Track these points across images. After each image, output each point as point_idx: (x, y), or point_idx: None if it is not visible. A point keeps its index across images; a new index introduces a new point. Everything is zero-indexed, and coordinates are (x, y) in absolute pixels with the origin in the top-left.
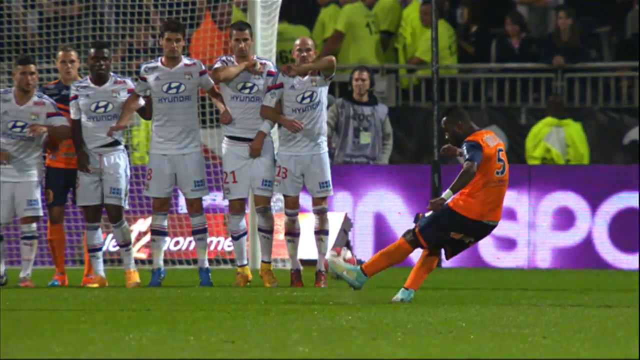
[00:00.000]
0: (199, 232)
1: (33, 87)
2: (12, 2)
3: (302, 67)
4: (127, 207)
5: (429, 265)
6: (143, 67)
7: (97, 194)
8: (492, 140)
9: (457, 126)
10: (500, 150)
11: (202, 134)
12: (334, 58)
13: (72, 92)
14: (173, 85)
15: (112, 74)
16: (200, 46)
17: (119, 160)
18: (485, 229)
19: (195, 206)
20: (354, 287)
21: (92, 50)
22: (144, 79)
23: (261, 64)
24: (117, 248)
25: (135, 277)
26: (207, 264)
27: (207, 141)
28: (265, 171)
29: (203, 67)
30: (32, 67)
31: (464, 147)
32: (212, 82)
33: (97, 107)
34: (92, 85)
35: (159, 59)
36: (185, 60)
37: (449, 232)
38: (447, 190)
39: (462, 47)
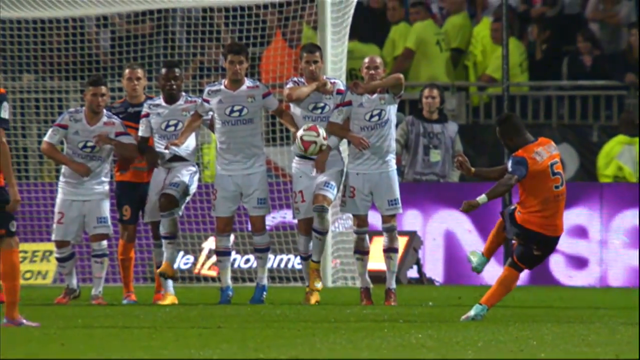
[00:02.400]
0: (261, 251)
1: (103, 108)
2: (85, 22)
3: (369, 84)
4: (182, 207)
5: (508, 285)
6: (207, 89)
7: None
8: (545, 153)
9: (509, 139)
10: (554, 163)
11: (271, 152)
12: (401, 76)
13: (145, 110)
14: (236, 108)
15: (183, 93)
16: (270, 64)
17: (185, 167)
18: (549, 242)
19: (257, 225)
20: (474, 270)
21: (164, 70)
22: (207, 101)
23: (331, 83)
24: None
25: (170, 270)
26: (265, 281)
27: (277, 159)
28: (328, 175)
29: (266, 89)
30: (103, 89)
31: (509, 162)
32: (277, 103)
33: (168, 126)
34: (163, 104)
35: (223, 81)
36: (247, 83)
37: (532, 249)
38: (483, 195)
39: (533, 53)
